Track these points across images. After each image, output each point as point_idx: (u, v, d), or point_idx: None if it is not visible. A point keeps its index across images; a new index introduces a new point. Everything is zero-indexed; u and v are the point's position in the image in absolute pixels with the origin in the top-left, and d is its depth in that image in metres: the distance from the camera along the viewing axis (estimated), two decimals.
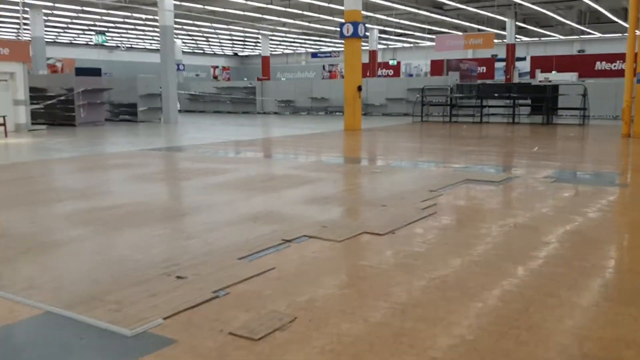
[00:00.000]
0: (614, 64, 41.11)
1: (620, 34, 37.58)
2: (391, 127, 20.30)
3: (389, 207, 6.24)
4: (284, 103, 30.52)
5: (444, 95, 24.47)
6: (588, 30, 35.92)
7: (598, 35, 38.67)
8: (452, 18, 31.72)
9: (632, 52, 14.78)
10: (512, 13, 30.86)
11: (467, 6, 28.04)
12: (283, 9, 27.78)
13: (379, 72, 42.37)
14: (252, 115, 29.74)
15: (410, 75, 43.41)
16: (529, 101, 22.55)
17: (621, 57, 40.39)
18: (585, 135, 16.98)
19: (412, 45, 45.35)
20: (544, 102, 21.19)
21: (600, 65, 41.53)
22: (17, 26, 29.29)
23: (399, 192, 7.18)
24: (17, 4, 25.40)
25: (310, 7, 28.78)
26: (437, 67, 42.26)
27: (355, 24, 18.19)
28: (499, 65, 45.17)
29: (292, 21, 31.80)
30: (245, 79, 44.05)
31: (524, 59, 42.02)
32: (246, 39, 45.21)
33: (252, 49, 52.50)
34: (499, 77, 43.73)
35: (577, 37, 40.50)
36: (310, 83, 31.94)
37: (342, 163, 11.04)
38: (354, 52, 18.71)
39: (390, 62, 44.77)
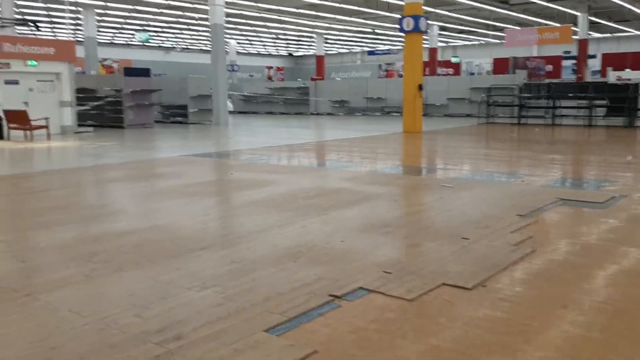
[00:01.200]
0: None
1: None
2: (454, 129, 18.66)
3: (470, 241, 4.80)
4: (338, 103, 29.28)
5: (510, 95, 22.59)
6: None
7: None
8: (517, 13, 29.63)
9: None
10: (585, 7, 28.54)
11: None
12: (338, 5, 26.45)
13: (438, 71, 40.52)
14: (305, 116, 28.60)
15: (472, 73, 41.26)
16: (605, 102, 20.43)
17: None
18: None
19: (474, 42, 43.17)
20: (626, 102, 19.09)
21: None
22: (72, 27, 29.12)
23: (480, 218, 5.71)
24: (71, 4, 25.09)
25: (367, 3, 27.38)
26: (500, 66, 40.02)
27: (416, 18, 16.69)
28: (566, 63, 42.59)
29: (347, 18, 30.42)
30: (299, 79, 43.07)
31: (594, 56, 39.30)
32: (301, 39, 44.14)
33: (306, 48, 51.46)
34: (567, 76, 41.22)
35: None
36: (366, 82, 30.55)
37: (403, 174, 9.61)
38: (415, 48, 17.20)
39: (453, 60, 42.74)
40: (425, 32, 17.79)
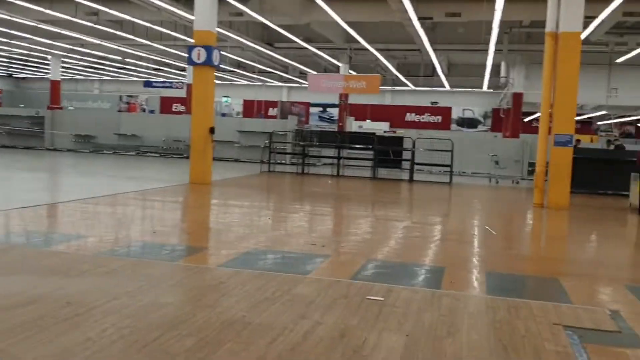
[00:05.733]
0: (422, 116, 42.23)
1: (429, 88, 38.04)
2: (243, 180, 16.28)
3: None
4: (83, 139, 24.92)
5: (285, 142, 21.46)
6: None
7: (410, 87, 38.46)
8: (281, 56, 28.60)
9: (546, 109, 12.77)
10: (346, 58, 28.82)
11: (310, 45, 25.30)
12: (91, 24, 22.09)
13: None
14: (39, 152, 23.59)
15: (223, 114, 38.63)
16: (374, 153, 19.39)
17: (429, 109, 41.39)
18: (487, 200, 14.79)
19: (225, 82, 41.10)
20: (396, 156, 18.88)
21: (410, 117, 42.26)
22: None
23: None
24: None
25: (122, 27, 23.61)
26: (250, 108, 38.90)
27: (209, 49, 13.95)
28: (313, 110, 43.66)
29: (98, 42, 25.80)
30: (23, 105, 36.35)
31: (337, 105, 39.69)
32: (29, 59, 37.09)
33: (34, 71, 44.07)
34: (315, 123, 42.09)
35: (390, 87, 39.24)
36: (117, 117, 26.70)
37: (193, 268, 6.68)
38: (206, 84, 14.37)
39: (224, 101, 39.91)
40: (219, 68, 15.09)
